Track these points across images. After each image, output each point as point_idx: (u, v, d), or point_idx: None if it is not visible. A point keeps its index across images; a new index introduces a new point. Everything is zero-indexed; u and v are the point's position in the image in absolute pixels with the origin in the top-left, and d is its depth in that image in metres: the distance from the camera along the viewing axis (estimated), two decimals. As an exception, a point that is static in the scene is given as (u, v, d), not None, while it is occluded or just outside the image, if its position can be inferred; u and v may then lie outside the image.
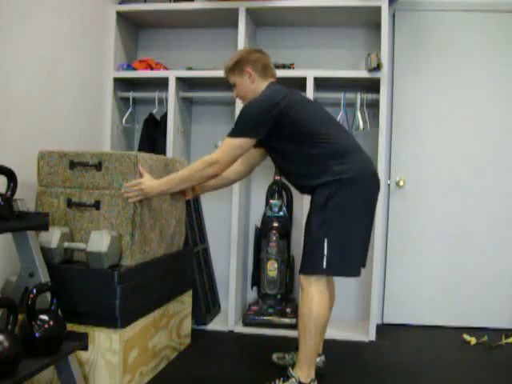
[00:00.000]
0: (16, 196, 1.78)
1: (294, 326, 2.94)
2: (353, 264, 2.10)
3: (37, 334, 1.65)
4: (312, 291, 2.05)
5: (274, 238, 3.02)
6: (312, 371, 2.09)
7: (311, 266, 2.07)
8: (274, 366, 2.41)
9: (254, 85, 2.20)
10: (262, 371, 2.36)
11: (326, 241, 2.02)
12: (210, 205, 3.36)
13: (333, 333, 2.93)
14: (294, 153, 2.12)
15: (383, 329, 3.08)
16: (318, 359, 2.25)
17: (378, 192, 2.17)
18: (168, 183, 2.12)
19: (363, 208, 2.10)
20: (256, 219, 3.26)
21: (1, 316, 1.78)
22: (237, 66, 2.21)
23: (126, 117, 3.21)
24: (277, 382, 2.09)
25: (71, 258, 2.11)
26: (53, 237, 1.99)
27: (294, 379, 2.06)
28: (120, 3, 3.12)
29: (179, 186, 2.14)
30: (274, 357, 2.44)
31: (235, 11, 2.96)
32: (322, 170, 2.05)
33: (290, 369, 2.10)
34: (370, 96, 2.94)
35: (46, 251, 1.96)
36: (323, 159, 2.06)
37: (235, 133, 2.09)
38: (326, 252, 2.01)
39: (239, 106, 2.97)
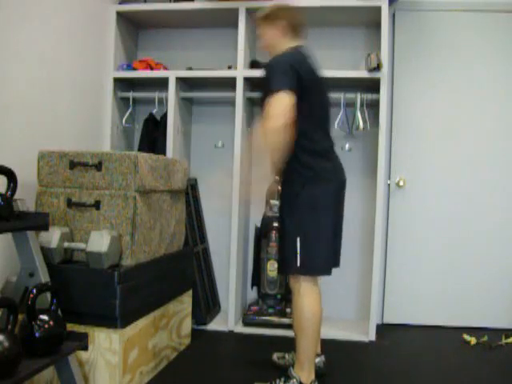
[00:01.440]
0: (16, 196, 1.78)
1: (294, 326, 2.94)
2: (324, 263, 2.11)
3: (37, 334, 1.64)
4: (303, 292, 2.06)
5: (274, 238, 3.02)
6: (312, 372, 2.09)
7: (288, 266, 2.09)
8: (274, 365, 2.41)
9: (282, 40, 2.18)
10: (262, 371, 2.36)
11: (298, 240, 2.04)
12: (209, 205, 3.36)
13: (333, 333, 2.93)
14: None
15: (383, 329, 3.08)
16: (317, 359, 2.25)
17: (343, 190, 2.20)
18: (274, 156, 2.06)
19: (331, 206, 2.12)
20: (256, 219, 3.26)
21: (1, 316, 1.78)
22: (269, 17, 2.19)
23: (126, 117, 3.21)
24: (277, 382, 2.09)
25: (71, 257, 2.11)
26: (53, 237, 1.99)
27: (294, 380, 2.06)
28: (120, 3, 3.12)
29: (272, 154, 2.04)
30: (275, 356, 2.44)
31: (235, 11, 2.96)
32: (297, 151, 2.06)
33: (291, 369, 2.11)
34: (369, 96, 2.94)
35: (45, 251, 1.96)
36: (302, 139, 2.06)
37: (275, 88, 1.97)
38: (299, 251, 2.04)
39: (239, 106, 2.98)
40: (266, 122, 1.95)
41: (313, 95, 2.09)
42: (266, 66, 2.11)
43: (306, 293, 2.06)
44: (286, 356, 2.42)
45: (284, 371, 2.15)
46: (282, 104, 1.95)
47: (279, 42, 2.18)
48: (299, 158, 2.08)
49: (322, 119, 2.18)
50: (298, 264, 2.05)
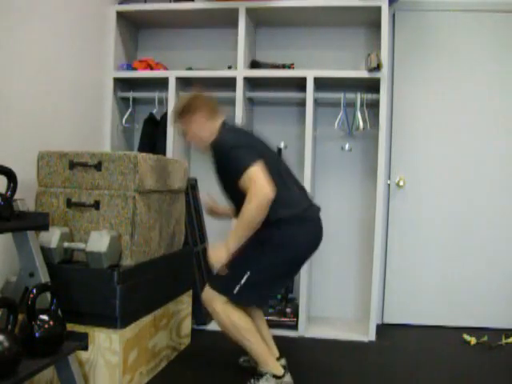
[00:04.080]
0: (16, 196, 1.78)
1: (294, 326, 2.94)
2: (261, 299, 2.19)
3: (37, 334, 1.65)
4: (217, 307, 2.08)
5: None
6: (276, 363, 2.14)
7: (224, 287, 2.10)
8: (242, 368, 2.39)
9: (206, 127, 2.15)
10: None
11: (247, 273, 2.06)
12: (210, 205, 3.36)
13: (333, 333, 2.94)
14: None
15: (383, 329, 3.08)
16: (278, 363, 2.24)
17: (314, 250, 2.22)
18: (234, 236, 1.99)
19: (295, 261, 2.15)
20: (256, 219, 3.25)
21: (1, 316, 1.78)
22: (184, 113, 2.17)
23: (126, 117, 3.21)
24: (252, 381, 2.12)
25: (71, 257, 2.11)
26: (52, 237, 1.99)
27: (267, 374, 2.09)
28: (120, 3, 3.12)
29: (244, 232, 1.97)
30: (241, 360, 2.45)
31: (235, 11, 2.96)
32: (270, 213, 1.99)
33: (259, 367, 2.14)
34: (369, 96, 2.94)
35: (45, 251, 1.96)
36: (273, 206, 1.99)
37: (243, 166, 1.95)
38: (242, 282, 2.06)
39: (239, 106, 2.98)
40: (253, 200, 1.90)
41: (267, 160, 2.04)
42: (215, 154, 2.09)
43: (224, 309, 2.08)
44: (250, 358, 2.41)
45: (254, 371, 2.19)
46: (259, 177, 1.92)
47: (206, 128, 2.15)
48: (273, 218, 2.02)
49: (284, 182, 2.13)
50: (235, 292, 2.07)
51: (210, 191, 3.35)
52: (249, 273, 2.07)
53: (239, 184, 1.96)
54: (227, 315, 2.07)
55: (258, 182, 1.92)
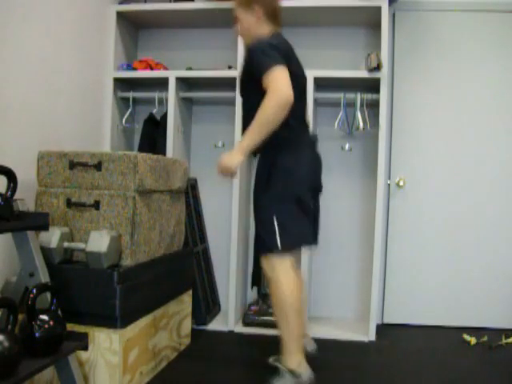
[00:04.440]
0: (16, 196, 1.78)
1: (293, 326, 2.94)
2: (300, 238, 2.12)
3: (37, 334, 1.65)
4: (277, 275, 2.05)
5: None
6: (299, 353, 2.08)
7: (269, 245, 2.07)
8: (273, 368, 2.39)
9: (258, 25, 2.13)
10: (261, 371, 2.36)
11: (274, 218, 2.04)
12: (210, 205, 3.36)
13: (333, 333, 2.94)
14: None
15: (383, 329, 3.08)
16: (308, 348, 2.22)
17: (318, 165, 2.23)
18: (248, 135, 1.95)
19: (306, 179, 2.11)
20: (256, 219, 3.25)
21: (1, 316, 1.78)
22: (245, 1, 2.15)
23: (126, 117, 3.21)
24: (274, 381, 2.09)
25: (71, 257, 2.11)
26: (52, 237, 1.99)
27: (283, 371, 2.06)
28: (120, 3, 3.12)
29: (260, 131, 1.93)
30: (271, 360, 2.43)
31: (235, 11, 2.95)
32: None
33: (279, 364, 2.10)
34: (369, 96, 2.94)
35: (45, 251, 1.96)
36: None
37: (267, 66, 1.92)
38: (277, 229, 2.04)
39: (239, 106, 2.97)
40: (272, 97, 1.88)
41: (293, 81, 2.02)
42: (247, 52, 2.08)
43: (282, 278, 2.04)
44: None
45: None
46: (282, 77, 1.91)
47: (256, 28, 2.14)
48: (276, 133, 2.02)
49: (299, 107, 2.15)
50: (279, 243, 2.04)
51: (210, 191, 3.38)
52: (275, 216, 2.04)
53: (262, 83, 1.93)
54: (278, 279, 2.02)
55: (280, 81, 1.90)
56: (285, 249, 2.06)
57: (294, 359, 2.06)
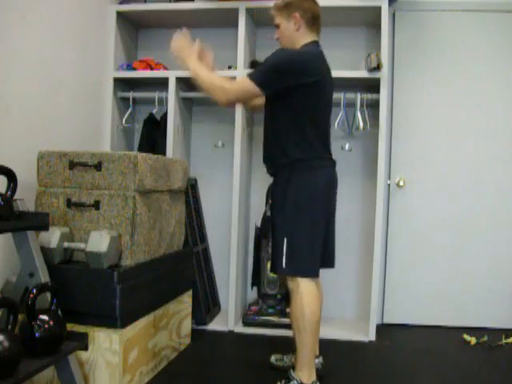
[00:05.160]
0: (16, 196, 1.78)
1: (293, 326, 2.94)
2: (309, 263, 2.09)
3: (37, 334, 1.65)
4: (301, 291, 2.05)
5: (274, 238, 3.02)
6: (313, 372, 2.08)
7: (275, 265, 2.10)
8: (272, 368, 2.40)
9: (298, 34, 2.13)
10: (261, 371, 2.36)
11: (285, 240, 2.05)
12: (210, 205, 3.36)
13: (333, 333, 2.93)
14: (281, 123, 2.10)
15: (383, 329, 3.08)
16: (316, 361, 2.24)
17: (334, 188, 2.19)
18: (197, 70, 2.11)
19: (321, 202, 2.09)
20: (256, 219, 3.26)
21: (1, 316, 1.78)
22: (286, 8, 2.12)
23: (126, 117, 3.21)
24: None
25: (71, 258, 2.11)
26: (52, 237, 1.99)
27: (295, 381, 2.05)
28: (120, 3, 3.12)
29: (199, 80, 2.11)
30: (273, 359, 2.44)
31: (235, 11, 2.96)
32: (288, 147, 2.08)
33: (291, 371, 2.10)
34: (369, 96, 2.94)
35: (45, 251, 1.96)
36: (297, 140, 2.07)
37: (254, 75, 2.03)
38: (284, 251, 2.04)
39: (239, 106, 2.97)
40: (222, 87, 2.04)
41: (316, 99, 2.07)
42: (275, 52, 2.09)
43: (304, 292, 2.05)
44: (285, 358, 2.41)
45: (283, 373, 2.14)
46: (237, 92, 2.05)
47: (295, 36, 2.13)
48: (289, 153, 2.08)
49: (321, 128, 2.14)
50: (284, 265, 2.05)
51: (210, 191, 3.38)
52: (285, 238, 2.04)
53: (284, 97, 2.04)
54: (300, 296, 2.04)
55: (238, 92, 2.06)
56: (291, 273, 2.07)
57: (307, 376, 2.06)
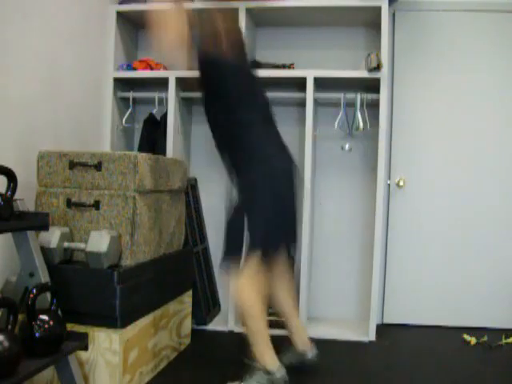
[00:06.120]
0: (16, 196, 1.78)
1: (293, 326, 2.94)
2: (271, 242, 2.11)
3: (37, 334, 1.65)
4: (241, 281, 2.06)
5: (274, 238, 3.02)
6: (275, 357, 2.09)
7: (230, 251, 2.11)
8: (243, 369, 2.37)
9: None
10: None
11: (245, 219, 2.05)
12: (210, 205, 3.36)
13: (333, 333, 2.94)
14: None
15: (383, 329, 3.07)
16: (309, 355, 2.24)
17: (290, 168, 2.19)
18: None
19: (274, 180, 2.11)
20: (256, 219, 3.25)
21: (1, 316, 1.78)
22: None
23: (126, 117, 3.21)
24: (246, 377, 2.09)
25: (71, 257, 2.11)
26: (52, 237, 1.99)
27: (260, 371, 2.05)
28: (120, 3, 3.12)
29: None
30: (246, 360, 2.43)
31: (235, 11, 2.95)
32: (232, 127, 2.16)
33: (252, 362, 2.10)
34: (370, 96, 2.94)
35: (45, 251, 1.96)
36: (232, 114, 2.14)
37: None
38: (254, 229, 2.05)
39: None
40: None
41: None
42: None
43: (246, 282, 2.06)
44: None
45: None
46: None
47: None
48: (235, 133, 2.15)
49: (247, 91, 2.21)
50: (254, 241, 2.05)
51: (210, 191, 3.37)
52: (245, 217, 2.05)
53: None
54: (242, 283, 2.06)
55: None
56: (258, 248, 2.07)
57: (270, 360, 2.07)
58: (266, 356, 2.08)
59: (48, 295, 1.82)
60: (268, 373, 2.05)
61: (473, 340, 2.83)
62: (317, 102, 3.13)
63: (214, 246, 3.35)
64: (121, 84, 3.19)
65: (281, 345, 2.61)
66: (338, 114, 2.99)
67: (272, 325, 2.96)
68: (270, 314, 3.00)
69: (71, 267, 2.03)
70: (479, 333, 2.92)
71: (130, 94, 3.19)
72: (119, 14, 3.10)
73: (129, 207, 2.06)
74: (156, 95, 3.11)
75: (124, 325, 1.99)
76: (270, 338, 2.11)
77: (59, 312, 1.79)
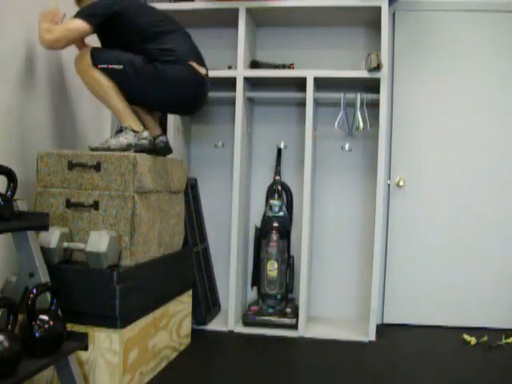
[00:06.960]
0: (16, 196, 1.78)
1: (294, 326, 2.94)
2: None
3: (37, 334, 1.65)
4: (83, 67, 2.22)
5: (274, 238, 3.03)
6: (137, 121, 2.27)
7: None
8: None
9: None
10: (261, 371, 2.37)
11: None
12: (209, 205, 3.36)
13: (333, 333, 2.94)
14: None
15: (383, 329, 3.08)
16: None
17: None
18: (42, 26, 2.18)
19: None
20: (256, 219, 3.26)
21: (1, 316, 1.78)
22: None
23: (126, 117, 3.21)
24: (112, 135, 2.24)
25: (70, 258, 2.11)
26: (52, 237, 1.99)
27: (127, 128, 2.21)
28: None
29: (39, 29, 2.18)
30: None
31: (235, 11, 2.96)
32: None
33: (120, 123, 2.24)
34: (370, 96, 2.94)
35: (45, 251, 1.96)
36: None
37: (78, 14, 2.20)
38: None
39: (239, 106, 2.98)
40: (48, 28, 2.14)
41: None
42: None
43: (95, 73, 2.19)
44: None
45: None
46: (64, 32, 2.15)
47: None
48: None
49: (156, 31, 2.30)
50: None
51: (210, 191, 3.38)
52: None
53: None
54: (92, 74, 2.19)
55: (63, 28, 2.17)
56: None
57: (132, 122, 2.24)
58: (131, 121, 2.24)
59: (48, 295, 1.82)
60: (134, 131, 2.22)
61: (473, 340, 2.83)
62: (317, 102, 3.13)
63: (214, 246, 3.36)
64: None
65: (281, 345, 2.62)
66: (337, 113, 2.99)
67: (274, 325, 2.98)
68: (269, 315, 3.01)
69: (71, 267, 2.03)
70: (479, 333, 2.92)
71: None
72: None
73: (128, 207, 2.06)
74: (156, 95, 3.11)
75: (124, 325, 1.99)
76: (131, 110, 2.28)
77: (59, 312, 1.79)
